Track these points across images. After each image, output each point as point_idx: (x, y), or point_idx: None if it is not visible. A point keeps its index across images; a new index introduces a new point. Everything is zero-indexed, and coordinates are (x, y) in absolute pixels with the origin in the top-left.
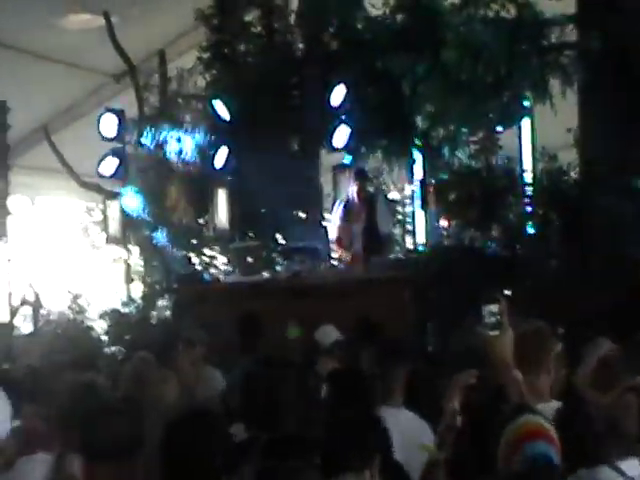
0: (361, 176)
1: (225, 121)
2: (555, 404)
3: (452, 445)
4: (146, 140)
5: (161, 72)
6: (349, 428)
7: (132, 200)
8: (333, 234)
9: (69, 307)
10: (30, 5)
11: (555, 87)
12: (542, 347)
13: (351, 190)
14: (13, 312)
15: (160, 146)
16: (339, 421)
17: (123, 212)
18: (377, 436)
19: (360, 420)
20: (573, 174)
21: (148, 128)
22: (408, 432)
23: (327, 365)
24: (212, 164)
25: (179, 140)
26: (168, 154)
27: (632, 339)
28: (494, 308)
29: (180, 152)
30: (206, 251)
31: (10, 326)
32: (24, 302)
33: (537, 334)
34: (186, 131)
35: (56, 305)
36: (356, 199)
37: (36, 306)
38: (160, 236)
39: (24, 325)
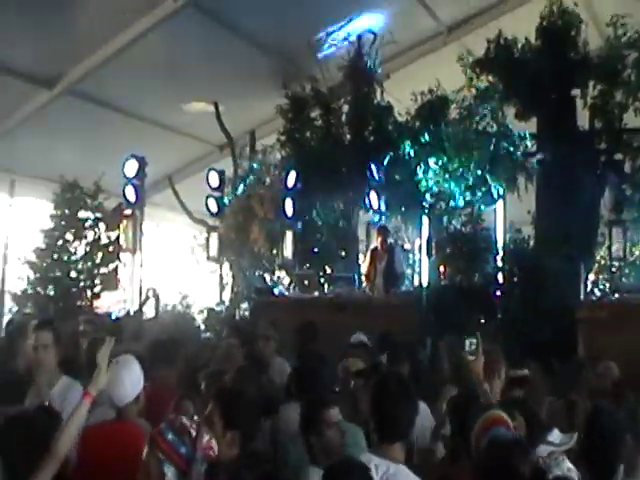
0: (383, 231)
1: (291, 185)
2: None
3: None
4: (239, 192)
5: (251, 146)
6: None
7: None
8: (364, 270)
9: (179, 303)
10: (166, 93)
11: (521, 182)
12: (496, 362)
13: (376, 240)
14: (142, 303)
15: (249, 198)
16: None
17: (220, 240)
18: None
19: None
20: (531, 242)
21: (240, 184)
22: None
23: (356, 364)
24: (284, 213)
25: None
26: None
27: (568, 360)
28: (473, 340)
29: (261, 204)
30: (276, 273)
31: (140, 313)
32: (149, 297)
33: (492, 354)
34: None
35: (171, 301)
36: (379, 247)
37: (157, 300)
38: (244, 259)
39: (149, 313)
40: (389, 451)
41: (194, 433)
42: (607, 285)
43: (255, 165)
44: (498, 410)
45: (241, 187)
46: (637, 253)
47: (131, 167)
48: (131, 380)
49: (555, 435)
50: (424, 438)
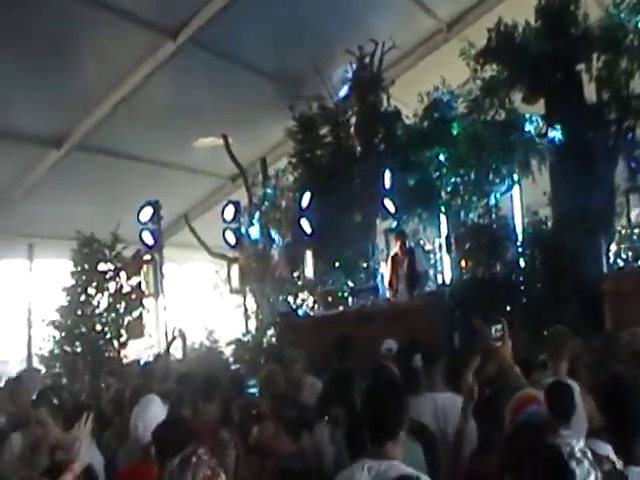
0: (400, 235)
1: (307, 205)
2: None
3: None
4: (255, 221)
5: (263, 173)
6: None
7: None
8: (386, 278)
9: (206, 338)
10: (174, 133)
11: (534, 165)
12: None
13: (395, 246)
14: (168, 345)
15: (266, 225)
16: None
17: (241, 271)
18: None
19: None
20: (549, 224)
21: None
22: (443, 408)
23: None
24: (303, 232)
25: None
26: (270, 231)
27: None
28: (498, 326)
29: (278, 228)
30: (300, 295)
31: (167, 354)
32: (175, 337)
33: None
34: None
35: (197, 337)
36: (399, 252)
37: (183, 339)
38: (267, 286)
39: (177, 353)
40: (381, 451)
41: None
42: (630, 254)
43: (269, 191)
44: (530, 389)
45: (257, 215)
46: None
47: (146, 212)
48: (150, 418)
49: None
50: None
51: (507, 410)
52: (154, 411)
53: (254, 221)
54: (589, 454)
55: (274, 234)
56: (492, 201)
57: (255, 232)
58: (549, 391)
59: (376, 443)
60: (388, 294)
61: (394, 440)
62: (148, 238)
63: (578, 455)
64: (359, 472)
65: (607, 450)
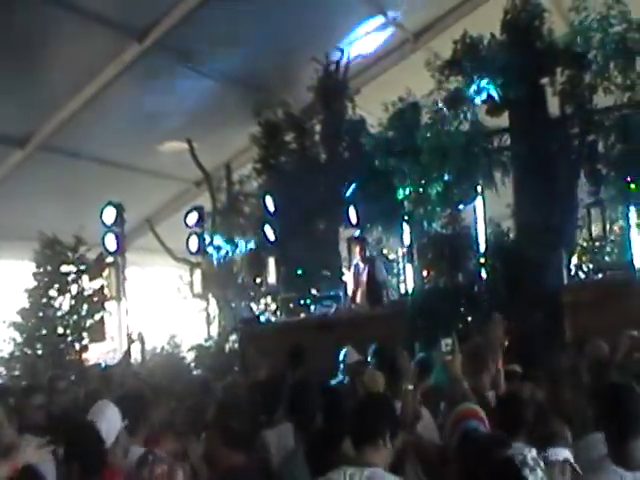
0: (361, 242)
1: (271, 211)
2: (492, 393)
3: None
4: (219, 227)
5: (227, 178)
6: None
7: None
8: (350, 286)
9: (168, 343)
10: (139, 136)
11: (497, 177)
12: (483, 357)
13: (355, 253)
14: (128, 349)
15: (229, 230)
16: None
17: (204, 276)
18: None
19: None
20: (511, 235)
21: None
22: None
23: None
24: (266, 240)
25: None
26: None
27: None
28: (448, 340)
29: (242, 235)
30: (262, 301)
31: (127, 359)
32: (133, 341)
33: (479, 349)
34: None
35: (159, 342)
36: (359, 259)
37: (142, 344)
38: (230, 292)
39: (136, 357)
40: (362, 457)
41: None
42: (590, 266)
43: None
44: (470, 404)
45: (221, 221)
46: (617, 230)
47: (109, 215)
48: (105, 425)
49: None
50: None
51: (447, 423)
52: (109, 415)
53: (217, 227)
54: (541, 462)
55: (237, 240)
56: (455, 212)
57: (218, 238)
58: (501, 404)
59: (356, 448)
60: (350, 302)
61: (375, 446)
62: (111, 241)
63: (531, 463)
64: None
65: (567, 455)
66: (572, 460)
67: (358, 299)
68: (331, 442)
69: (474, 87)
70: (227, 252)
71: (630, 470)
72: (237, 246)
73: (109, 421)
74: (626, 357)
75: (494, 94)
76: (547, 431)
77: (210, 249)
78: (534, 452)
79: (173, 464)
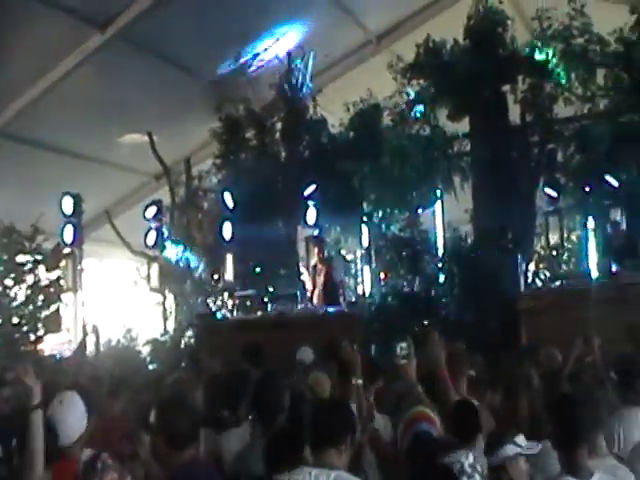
0: (319, 242)
1: (230, 208)
2: None
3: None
4: (178, 221)
5: (187, 173)
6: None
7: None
8: (309, 286)
9: (123, 336)
10: (99, 127)
11: (457, 182)
12: (458, 361)
13: (313, 253)
14: (82, 340)
15: (188, 225)
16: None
17: (161, 270)
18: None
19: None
20: (469, 240)
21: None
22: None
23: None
24: (222, 237)
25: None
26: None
27: (507, 352)
28: (403, 344)
29: (199, 230)
30: (219, 297)
31: (82, 350)
32: (88, 333)
33: (454, 352)
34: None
35: (115, 335)
36: (317, 259)
37: (97, 336)
38: (187, 287)
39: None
40: (324, 458)
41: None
42: (547, 274)
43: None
44: (423, 407)
45: (179, 215)
46: (574, 240)
47: (67, 205)
48: (75, 418)
49: (521, 439)
50: None
51: (400, 425)
52: (77, 411)
53: (175, 221)
54: (479, 467)
55: (195, 235)
56: (414, 215)
57: (176, 232)
58: (454, 411)
59: (316, 450)
60: (307, 302)
61: (338, 450)
62: (68, 232)
63: (469, 470)
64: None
65: (517, 450)
66: (523, 453)
67: (315, 299)
68: (293, 442)
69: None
70: (185, 247)
71: (580, 478)
72: (195, 242)
73: (76, 417)
74: (578, 362)
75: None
76: (499, 435)
77: (168, 243)
78: (471, 458)
79: (122, 472)
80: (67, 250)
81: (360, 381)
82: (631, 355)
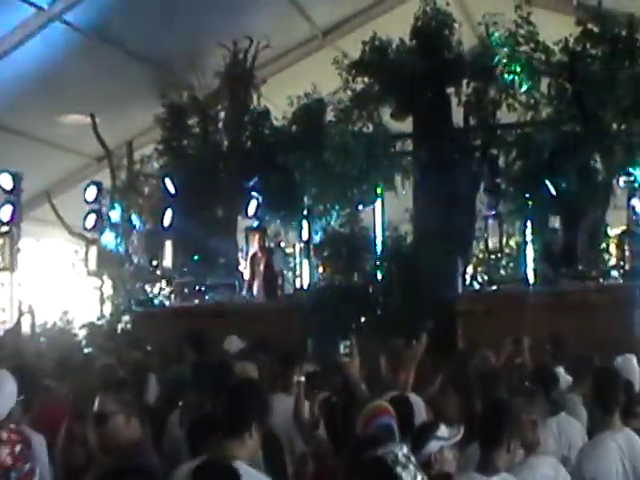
0: (260, 233)
1: (171, 194)
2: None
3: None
4: (117, 205)
5: (128, 157)
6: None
7: (110, 241)
8: (247, 276)
9: (60, 319)
10: (41, 106)
11: (398, 180)
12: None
13: (254, 244)
14: (17, 320)
15: (127, 209)
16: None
17: (99, 253)
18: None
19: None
20: (408, 240)
21: (118, 197)
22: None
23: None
24: (161, 223)
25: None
26: (131, 216)
27: (447, 352)
28: (347, 342)
29: (140, 214)
30: (157, 284)
31: (18, 329)
32: (23, 313)
33: (394, 350)
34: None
35: (51, 317)
36: (258, 250)
37: (32, 316)
38: (125, 272)
39: (26, 329)
40: (226, 449)
41: None
42: (485, 277)
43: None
44: (381, 401)
45: (120, 202)
46: (513, 245)
47: (5, 182)
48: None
49: (443, 430)
50: None
51: (359, 421)
52: (4, 387)
53: (116, 204)
54: (413, 458)
55: (135, 220)
56: (354, 211)
57: (116, 216)
58: (392, 405)
59: (225, 439)
60: (245, 292)
61: (240, 439)
62: (6, 210)
63: (403, 460)
64: None
65: (441, 443)
66: (447, 444)
67: (254, 290)
68: (206, 429)
69: None
70: (124, 231)
71: (486, 475)
72: (135, 226)
73: (2, 393)
74: (508, 362)
75: None
76: (421, 431)
77: (107, 227)
78: (405, 449)
79: (22, 452)
80: (4, 228)
81: (302, 378)
82: (548, 364)
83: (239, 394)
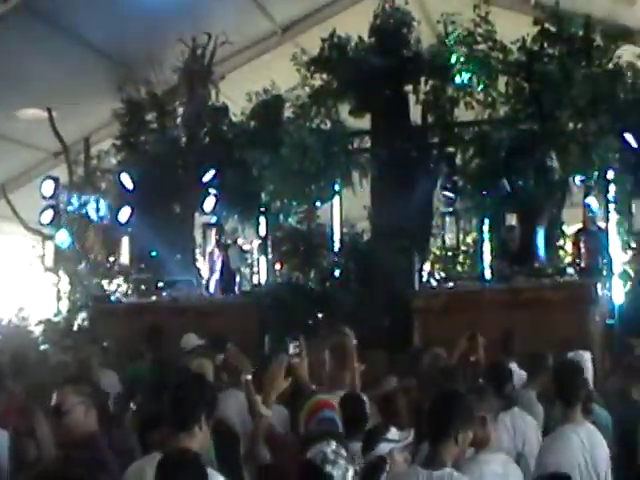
0: (217, 230)
1: (128, 190)
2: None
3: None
4: (74, 200)
5: (86, 152)
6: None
7: (65, 239)
8: (205, 273)
9: (15, 316)
10: None
11: (356, 177)
12: (344, 354)
13: (212, 241)
14: None
15: (83, 205)
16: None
17: (56, 250)
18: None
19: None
20: (365, 237)
21: (75, 192)
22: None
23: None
24: (117, 220)
25: (97, 201)
26: (89, 211)
27: (401, 348)
28: (296, 343)
29: (97, 210)
30: (114, 280)
31: None
32: None
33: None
34: (102, 195)
35: (6, 314)
36: (215, 247)
37: None
38: (82, 268)
39: None
40: (180, 443)
41: None
42: (442, 274)
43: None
44: (323, 394)
45: (77, 195)
46: (470, 242)
47: None
48: None
49: (393, 432)
50: None
51: (302, 415)
52: None
53: (73, 200)
54: (343, 452)
55: (92, 215)
56: (312, 208)
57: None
58: (342, 404)
59: (172, 432)
60: (203, 289)
61: (190, 433)
62: None
63: (331, 457)
64: (151, 465)
65: (391, 446)
66: (398, 446)
67: (211, 286)
68: (156, 425)
69: None
70: (80, 227)
71: (430, 469)
72: (92, 221)
73: None
74: (462, 359)
75: None
76: (371, 433)
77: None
78: (334, 445)
79: None
80: None
81: (249, 377)
82: (501, 360)
83: (186, 388)
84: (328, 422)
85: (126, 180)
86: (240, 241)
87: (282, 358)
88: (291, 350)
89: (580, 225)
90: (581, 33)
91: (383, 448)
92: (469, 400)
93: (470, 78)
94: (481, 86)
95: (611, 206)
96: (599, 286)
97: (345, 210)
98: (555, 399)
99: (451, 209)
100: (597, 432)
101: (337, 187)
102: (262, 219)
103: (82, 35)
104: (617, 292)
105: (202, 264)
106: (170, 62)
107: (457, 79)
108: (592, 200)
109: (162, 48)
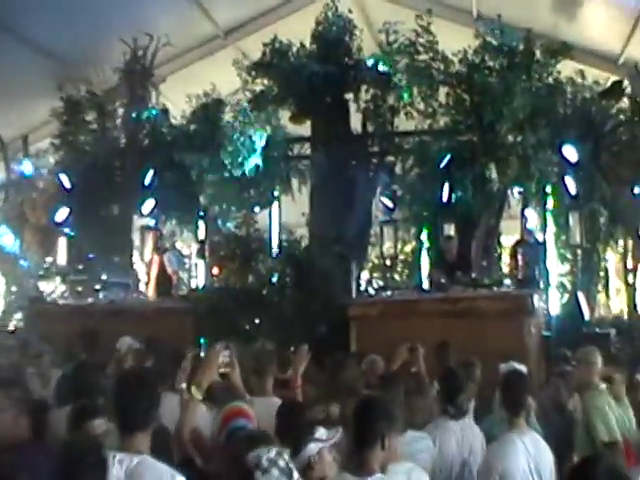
0: (155, 233)
1: (67, 189)
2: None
3: None
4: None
5: (23, 150)
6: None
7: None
8: (140, 278)
9: None
10: None
11: (295, 184)
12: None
13: (149, 244)
14: None
15: (21, 204)
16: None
17: None
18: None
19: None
20: (303, 243)
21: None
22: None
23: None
24: (53, 220)
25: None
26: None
27: (333, 356)
28: (226, 352)
29: (33, 209)
30: (50, 281)
31: None
32: None
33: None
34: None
35: None
36: (152, 249)
37: None
38: (19, 268)
39: None
40: (130, 443)
41: None
42: (380, 283)
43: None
44: (239, 402)
45: (13, 192)
46: (408, 251)
47: None
48: None
49: (321, 432)
50: None
51: (216, 421)
52: None
53: (9, 198)
54: (281, 461)
55: (29, 214)
56: (250, 213)
57: (10, 211)
58: (279, 413)
59: (124, 433)
60: (140, 292)
61: (144, 432)
62: None
63: (265, 464)
64: (110, 464)
65: (319, 445)
66: (326, 445)
67: (149, 290)
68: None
69: None
70: (17, 226)
71: (359, 476)
72: (28, 220)
73: None
74: (402, 370)
75: None
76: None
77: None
78: (273, 453)
79: None
80: None
81: (183, 385)
82: (455, 370)
83: (143, 386)
84: (239, 431)
85: (65, 180)
86: (179, 245)
87: (219, 348)
88: (221, 359)
89: (518, 237)
90: (522, 47)
91: (312, 448)
92: (392, 405)
93: (411, 88)
94: (422, 96)
95: (549, 218)
96: (536, 297)
97: (284, 216)
98: (500, 408)
99: (390, 218)
100: (541, 440)
101: (276, 193)
102: (201, 223)
103: (21, 32)
104: (553, 304)
105: (140, 267)
106: (111, 62)
107: (398, 88)
108: (530, 212)
109: (103, 48)
